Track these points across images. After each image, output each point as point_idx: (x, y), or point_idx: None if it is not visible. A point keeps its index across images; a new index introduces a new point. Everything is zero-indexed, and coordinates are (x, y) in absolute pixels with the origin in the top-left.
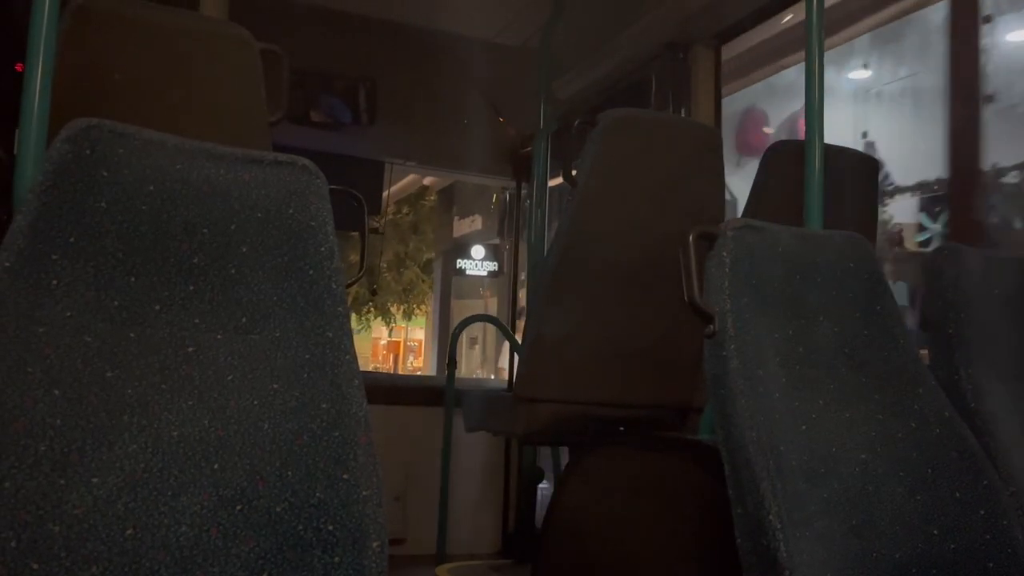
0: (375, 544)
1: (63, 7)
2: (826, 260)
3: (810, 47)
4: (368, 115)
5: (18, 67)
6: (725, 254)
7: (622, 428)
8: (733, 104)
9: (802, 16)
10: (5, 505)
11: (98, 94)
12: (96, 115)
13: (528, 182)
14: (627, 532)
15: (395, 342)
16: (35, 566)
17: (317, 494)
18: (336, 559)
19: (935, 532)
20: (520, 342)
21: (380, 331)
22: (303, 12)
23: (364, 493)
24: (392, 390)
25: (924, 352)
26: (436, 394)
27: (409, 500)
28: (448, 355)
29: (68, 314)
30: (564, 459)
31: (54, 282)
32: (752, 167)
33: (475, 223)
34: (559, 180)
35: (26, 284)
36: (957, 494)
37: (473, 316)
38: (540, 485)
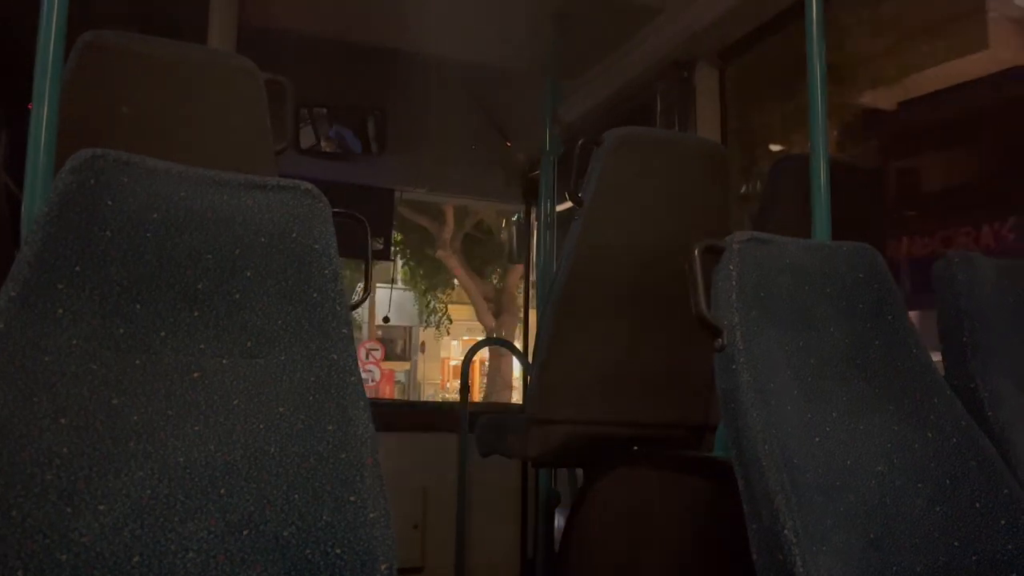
0: (383, 567)
1: (70, 43)
2: (835, 271)
3: (811, 62)
4: (378, 144)
5: (30, 107)
6: (732, 267)
7: (636, 448)
8: None
9: None
10: (12, 535)
11: (106, 127)
12: (104, 148)
13: (537, 205)
14: (645, 552)
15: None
16: None
17: (324, 517)
18: None
19: (956, 543)
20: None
21: (447, 345)
22: (311, 44)
23: (371, 515)
24: (407, 416)
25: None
26: (451, 419)
27: (427, 527)
28: (461, 379)
29: (74, 343)
30: (581, 481)
31: (60, 311)
32: None
33: None
34: (570, 204)
35: (32, 314)
36: (977, 504)
37: (484, 340)
38: (558, 508)
